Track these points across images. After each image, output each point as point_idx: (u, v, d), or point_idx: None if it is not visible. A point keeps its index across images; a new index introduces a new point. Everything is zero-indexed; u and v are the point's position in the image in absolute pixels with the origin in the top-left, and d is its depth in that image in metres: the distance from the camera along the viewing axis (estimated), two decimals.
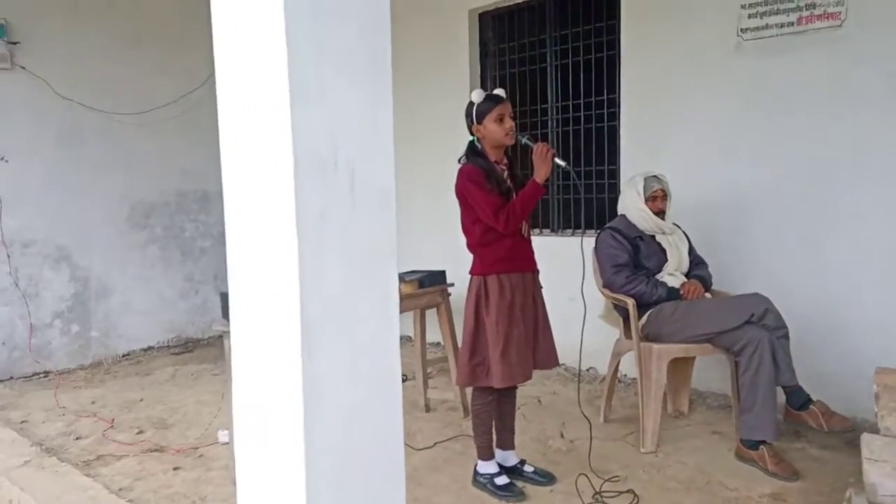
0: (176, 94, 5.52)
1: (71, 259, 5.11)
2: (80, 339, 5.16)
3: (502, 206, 2.70)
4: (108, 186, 5.27)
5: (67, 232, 5.08)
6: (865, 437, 2.20)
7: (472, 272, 2.82)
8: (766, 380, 2.92)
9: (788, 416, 3.12)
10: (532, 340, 2.84)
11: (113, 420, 3.88)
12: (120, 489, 2.95)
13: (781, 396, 3.08)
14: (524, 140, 2.80)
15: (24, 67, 4.80)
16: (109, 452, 3.39)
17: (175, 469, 3.17)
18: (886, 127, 3.30)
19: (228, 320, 1.28)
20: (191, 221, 5.79)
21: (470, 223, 2.81)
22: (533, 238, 2.92)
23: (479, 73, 5.10)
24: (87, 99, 5.09)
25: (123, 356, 5.37)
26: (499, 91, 2.81)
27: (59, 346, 5.05)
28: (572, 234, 4.57)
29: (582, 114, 4.55)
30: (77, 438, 3.62)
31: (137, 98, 5.35)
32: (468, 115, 2.81)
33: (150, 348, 5.54)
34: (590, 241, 3.52)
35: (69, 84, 5.00)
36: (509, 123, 2.75)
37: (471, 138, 2.83)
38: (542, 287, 2.93)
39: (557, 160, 2.74)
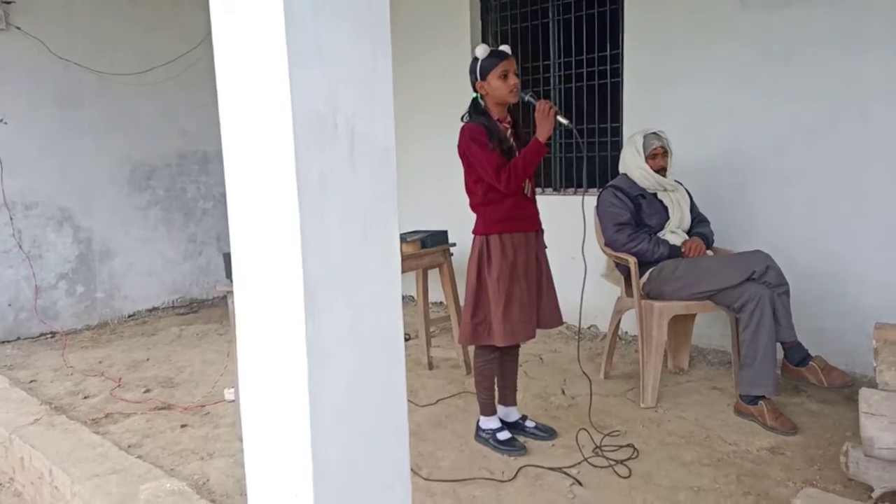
0: (174, 53, 5.46)
1: (73, 220, 5.12)
2: (85, 300, 5.20)
3: (504, 165, 2.69)
4: (109, 148, 5.25)
5: (69, 193, 5.08)
6: (864, 392, 2.23)
7: (474, 231, 2.82)
8: (767, 336, 2.94)
9: (788, 371, 3.15)
10: (535, 299, 2.85)
11: (120, 379, 3.94)
12: (129, 446, 3.00)
13: (781, 352, 3.10)
14: (527, 97, 2.77)
15: (19, 28, 4.74)
16: (118, 410, 3.45)
17: (183, 426, 3.23)
18: (891, 81, 3.26)
19: (232, 281, 1.29)
20: (192, 182, 5.78)
21: (472, 182, 2.79)
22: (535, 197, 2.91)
23: (479, 28, 5.03)
24: (83, 59, 5.04)
25: (129, 316, 5.42)
26: (504, 47, 2.77)
27: (64, 307, 5.10)
28: (574, 193, 4.56)
29: (585, 70, 4.49)
30: (85, 397, 3.68)
31: (135, 57, 5.30)
32: (472, 70, 2.77)
33: (155, 309, 5.58)
34: (592, 200, 3.52)
35: (65, 44, 4.95)
36: (513, 80, 2.72)
37: (474, 95, 2.80)
38: (546, 246, 2.93)
39: (560, 118, 2.71)
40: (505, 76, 2.70)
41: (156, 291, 5.60)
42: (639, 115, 4.10)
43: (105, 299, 5.31)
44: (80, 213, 5.14)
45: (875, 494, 2.26)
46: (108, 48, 5.18)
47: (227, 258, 2.79)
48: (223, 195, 1.25)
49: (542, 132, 2.68)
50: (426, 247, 3.66)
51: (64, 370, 4.17)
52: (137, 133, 5.39)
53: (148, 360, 4.35)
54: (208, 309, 5.71)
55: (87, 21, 5.07)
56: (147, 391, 3.74)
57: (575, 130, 2.85)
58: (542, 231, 2.92)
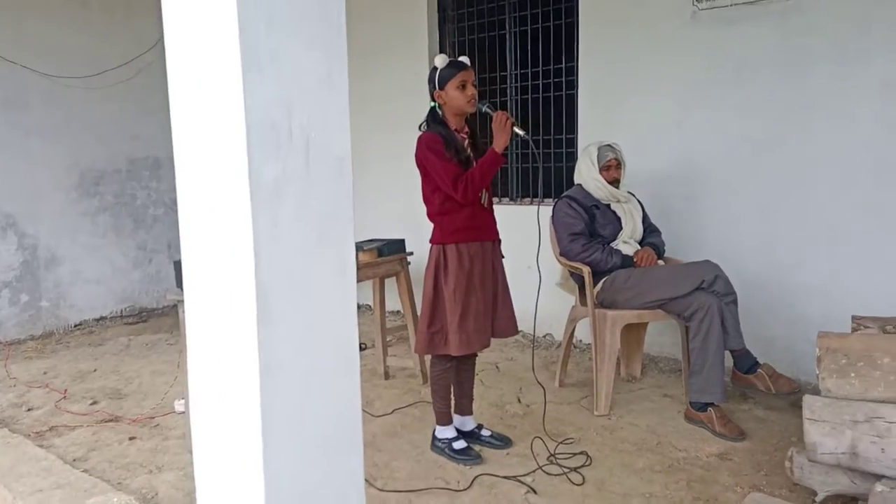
0: (125, 57, 5.35)
1: (18, 227, 4.96)
2: (29, 309, 5.04)
3: (461, 175, 2.70)
4: (56, 153, 5.11)
5: (14, 199, 4.92)
6: (807, 399, 2.30)
7: (431, 241, 2.83)
8: (715, 344, 3.01)
9: (736, 379, 3.23)
10: (491, 309, 2.87)
11: (66, 391, 3.82)
12: (74, 459, 2.92)
13: (730, 360, 3.18)
14: (484, 108, 2.79)
15: None
16: (63, 423, 3.35)
17: (131, 439, 3.15)
18: (834, 96, 3.38)
19: (183, 289, 1.27)
20: (142, 189, 5.66)
21: (429, 192, 2.80)
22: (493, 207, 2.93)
23: (437, 39, 5.05)
24: (31, 61, 4.90)
25: (75, 326, 5.26)
26: (463, 58, 2.79)
27: (7, 317, 4.93)
28: (531, 203, 4.60)
29: (541, 82, 4.55)
30: (29, 409, 3.56)
31: (85, 61, 5.18)
32: (430, 80, 2.79)
33: (102, 318, 5.44)
34: (548, 210, 3.56)
35: (11, 46, 4.81)
36: (471, 91, 2.74)
37: (432, 104, 2.81)
38: (503, 256, 2.95)
39: (516, 129, 2.74)
40: (463, 86, 2.72)
41: (103, 300, 5.45)
42: (593, 127, 4.17)
43: (50, 308, 5.15)
44: (24, 219, 4.99)
45: (818, 499, 2.33)
46: (58, 51, 5.05)
47: (177, 266, 2.73)
48: (174, 202, 1.23)
49: (499, 143, 2.71)
50: (383, 255, 3.65)
51: (6, 381, 4.03)
52: (86, 137, 5.26)
53: (95, 370, 4.23)
54: (158, 318, 5.58)
55: (36, 23, 4.94)
56: (94, 403, 3.64)
57: (531, 142, 2.88)
58: (500, 241, 2.94)
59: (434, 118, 2.80)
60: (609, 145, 3.46)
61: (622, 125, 4.01)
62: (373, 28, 5.14)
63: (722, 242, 3.75)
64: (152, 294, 5.74)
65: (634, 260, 3.35)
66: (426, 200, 2.83)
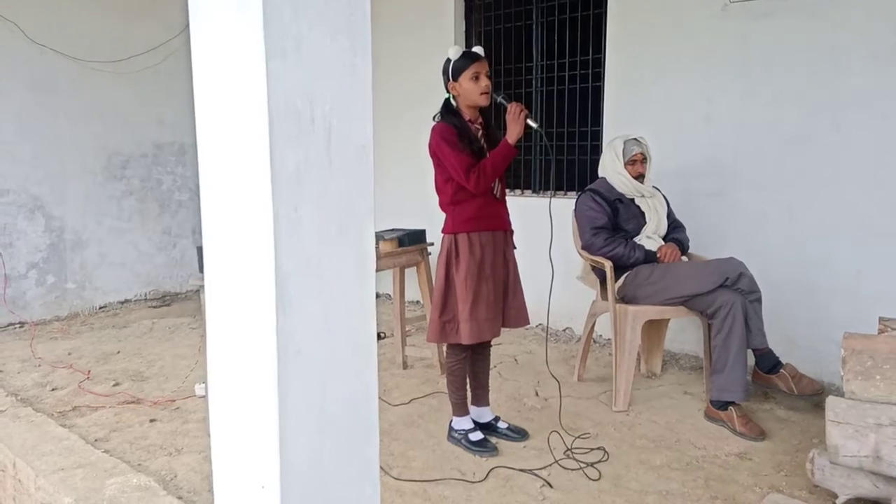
0: (153, 42, 5.40)
1: (45, 209, 5.03)
2: (55, 291, 5.12)
3: (473, 166, 2.69)
4: (84, 136, 5.17)
5: (42, 182, 4.99)
6: (830, 400, 2.26)
7: (443, 231, 2.83)
8: (738, 342, 2.98)
9: (758, 378, 3.19)
10: (502, 298, 2.86)
11: (89, 371, 3.88)
12: (96, 440, 2.96)
13: (752, 359, 3.14)
14: (499, 99, 2.78)
15: None
16: (85, 403, 3.40)
17: (151, 421, 3.19)
18: (867, 93, 3.31)
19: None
20: (168, 174, 5.71)
21: (442, 182, 2.80)
22: (513, 198, 2.91)
23: (463, 28, 5.03)
24: (60, 45, 4.96)
25: (100, 308, 5.34)
26: (477, 49, 2.77)
27: (34, 297, 5.01)
28: (554, 195, 4.57)
29: (567, 73, 4.51)
30: (53, 389, 3.62)
31: (113, 46, 5.23)
32: (444, 71, 2.78)
33: (127, 301, 5.51)
34: (564, 203, 3.54)
35: (42, 29, 4.86)
36: (485, 82, 2.72)
37: (446, 96, 2.80)
38: (515, 247, 2.94)
39: (530, 121, 2.71)
40: (476, 78, 2.71)
41: (128, 283, 5.52)
42: (619, 119, 4.12)
43: (76, 290, 5.23)
44: (52, 201, 5.06)
45: (839, 501, 2.30)
46: (87, 35, 5.10)
47: (200, 251, 2.75)
48: (199, 188, 1.23)
49: (512, 134, 2.70)
50: (403, 245, 3.66)
51: (32, 361, 4.10)
52: (114, 122, 5.32)
53: (118, 352, 4.29)
54: (181, 302, 5.64)
55: (66, 7, 4.99)
56: (116, 384, 3.69)
57: (543, 134, 2.87)
58: (512, 231, 2.93)
59: (448, 109, 2.79)
60: (635, 139, 3.42)
61: (649, 118, 3.96)
62: (399, 17, 5.13)
63: (747, 239, 3.70)
64: (176, 278, 5.80)
65: (657, 255, 3.31)
66: (439, 190, 2.83)
